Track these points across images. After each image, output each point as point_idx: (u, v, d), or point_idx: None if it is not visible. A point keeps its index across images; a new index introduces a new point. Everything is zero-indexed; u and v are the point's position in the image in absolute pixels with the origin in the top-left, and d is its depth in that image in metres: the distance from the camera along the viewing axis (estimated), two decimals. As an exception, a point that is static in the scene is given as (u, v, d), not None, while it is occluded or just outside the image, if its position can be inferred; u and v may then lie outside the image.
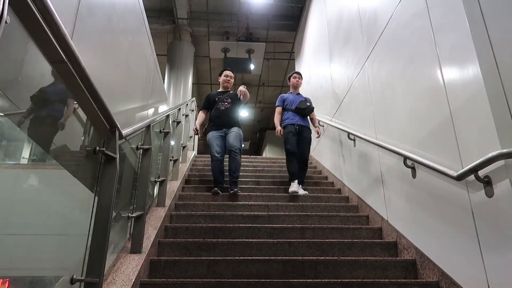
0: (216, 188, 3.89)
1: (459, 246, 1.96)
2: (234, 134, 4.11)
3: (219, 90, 4.49)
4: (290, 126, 4.28)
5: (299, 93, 4.65)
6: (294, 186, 3.97)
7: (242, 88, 4.18)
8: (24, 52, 1.29)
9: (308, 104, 4.42)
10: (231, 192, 3.85)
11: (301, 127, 4.32)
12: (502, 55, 1.75)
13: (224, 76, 4.46)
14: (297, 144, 4.19)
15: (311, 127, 4.52)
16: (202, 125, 4.37)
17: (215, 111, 4.26)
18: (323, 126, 5.22)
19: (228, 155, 4.06)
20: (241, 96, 4.17)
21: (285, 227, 3.04)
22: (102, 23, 2.45)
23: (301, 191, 3.99)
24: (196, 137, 6.30)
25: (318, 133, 4.48)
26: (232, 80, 4.49)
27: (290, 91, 4.67)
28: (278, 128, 4.33)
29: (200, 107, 4.55)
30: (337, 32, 4.87)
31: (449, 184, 2.07)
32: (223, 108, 4.24)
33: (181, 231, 2.98)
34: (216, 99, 4.32)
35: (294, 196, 3.96)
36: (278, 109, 4.50)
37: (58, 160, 1.78)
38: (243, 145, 4.22)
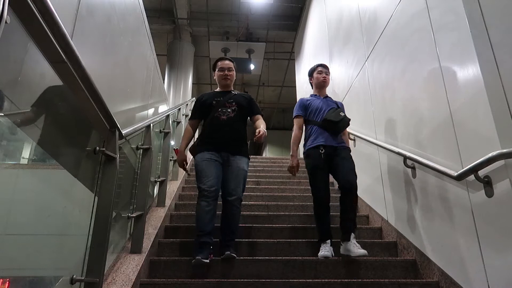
0: (199, 257, 2.26)
1: (459, 246, 1.96)
2: (237, 170, 2.53)
3: (217, 90, 2.88)
4: (314, 151, 2.73)
5: (327, 96, 3.04)
6: (326, 249, 2.54)
7: (263, 129, 2.53)
8: (24, 52, 1.29)
9: (342, 114, 2.82)
10: (222, 256, 2.37)
11: (333, 150, 2.72)
12: (502, 55, 1.75)
13: (220, 69, 2.79)
14: (334, 169, 2.70)
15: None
16: (191, 149, 2.74)
17: (212, 121, 2.63)
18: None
19: (222, 203, 2.54)
20: (257, 138, 2.48)
21: (285, 227, 3.04)
22: (102, 23, 2.45)
23: (355, 249, 2.43)
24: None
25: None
26: (234, 74, 2.83)
27: (313, 93, 3.08)
28: (293, 162, 2.80)
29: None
30: (337, 32, 4.86)
31: (449, 184, 2.07)
32: (224, 117, 2.62)
33: (181, 231, 2.98)
34: (213, 102, 2.68)
35: (294, 196, 3.95)
36: (297, 122, 2.90)
37: (58, 160, 1.78)
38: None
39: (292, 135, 2.92)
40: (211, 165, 2.49)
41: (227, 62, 2.82)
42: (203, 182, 2.44)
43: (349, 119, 2.85)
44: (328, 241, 2.59)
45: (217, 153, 2.54)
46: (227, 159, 2.55)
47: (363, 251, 2.39)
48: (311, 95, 3.06)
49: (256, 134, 2.48)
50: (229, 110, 2.66)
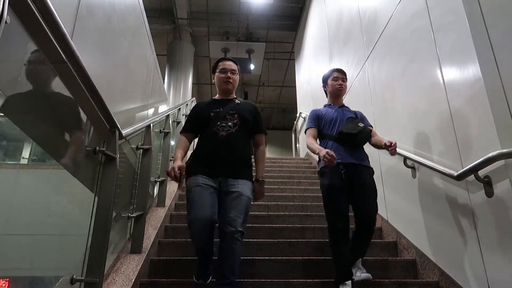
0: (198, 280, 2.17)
1: (459, 246, 1.96)
2: (238, 197, 2.00)
3: (216, 97, 2.35)
4: (332, 169, 2.24)
5: (343, 105, 2.60)
6: None
7: (260, 192, 2.20)
8: (24, 52, 1.29)
9: (361, 125, 2.39)
10: None
11: (354, 168, 2.29)
12: (502, 55, 1.75)
13: (221, 71, 2.28)
14: (353, 195, 2.25)
15: (369, 155, 2.47)
16: (184, 165, 2.09)
17: (208, 138, 2.15)
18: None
19: (219, 238, 1.98)
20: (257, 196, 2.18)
21: (285, 227, 3.04)
22: (102, 23, 2.45)
23: (358, 273, 2.25)
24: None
25: (392, 146, 2.20)
26: (237, 78, 2.33)
27: (328, 103, 2.64)
28: (321, 151, 2.19)
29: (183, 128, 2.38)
30: (337, 32, 4.86)
31: (449, 184, 2.07)
32: (223, 133, 2.12)
33: (181, 231, 2.98)
34: (211, 115, 2.19)
35: (294, 196, 3.95)
36: (310, 133, 2.47)
37: (58, 160, 1.78)
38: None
39: (306, 143, 2.48)
40: (206, 193, 1.98)
41: (230, 63, 2.30)
42: (194, 213, 1.92)
43: (371, 130, 2.44)
44: (349, 282, 2.10)
45: (213, 178, 2.04)
46: (225, 184, 2.03)
47: (366, 275, 2.21)
48: (325, 106, 2.62)
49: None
50: (230, 124, 2.15)
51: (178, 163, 2.02)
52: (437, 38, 2.20)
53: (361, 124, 2.38)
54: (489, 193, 1.71)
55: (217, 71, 2.31)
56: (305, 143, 2.63)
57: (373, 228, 2.26)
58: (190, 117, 2.33)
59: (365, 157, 2.40)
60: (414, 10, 2.52)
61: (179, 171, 1.98)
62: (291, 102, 10.44)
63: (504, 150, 1.57)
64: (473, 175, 1.77)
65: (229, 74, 2.26)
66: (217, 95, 2.37)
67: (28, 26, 1.00)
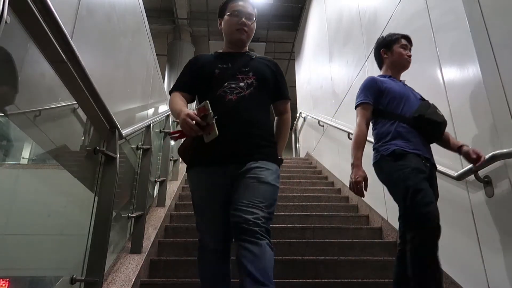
0: None
1: (459, 246, 1.96)
2: (258, 184, 1.37)
3: (222, 50, 1.73)
4: (414, 157, 1.67)
5: (404, 82, 1.97)
6: None
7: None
8: (24, 52, 1.29)
9: (441, 113, 1.80)
10: None
11: (431, 167, 1.75)
12: (502, 55, 1.75)
13: (233, 14, 1.66)
14: None
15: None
16: (180, 151, 1.59)
17: (212, 104, 1.39)
18: (323, 126, 5.22)
19: (236, 239, 1.31)
20: None
21: (285, 227, 3.04)
22: (102, 23, 2.45)
23: None
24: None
25: (479, 159, 1.65)
26: (254, 27, 1.68)
27: (386, 74, 1.97)
28: (359, 174, 1.77)
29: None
30: (337, 32, 4.86)
31: (449, 184, 2.07)
32: (232, 97, 1.51)
33: (181, 231, 2.98)
34: (216, 72, 1.58)
35: (294, 196, 3.94)
36: (364, 113, 1.82)
37: (58, 160, 1.78)
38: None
39: (354, 134, 1.81)
40: (212, 200, 1.46)
41: (244, 3, 1.66)
42: (202, 233, 1.52)
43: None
44: None
45: (220, 166, 1.44)
46: (239, 171, 1.41)
47: None
48: (384, 76, 1.94)
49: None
50: (241, 84, 1.53)
51: (186, 110, 1.40)
52: (437, 38, 2.20)
53: (440, 112, 1.79)
54: (489, 193, 1.71)
55: (227, 14, 1.68)
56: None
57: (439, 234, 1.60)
58: (185, 73, 1.65)
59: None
60: (414, 10, 2.52)
61: (194, 119, 1.35)
62: (291, 102, 10.32)
63: (504, 150, 1.57)
64: (473, 175, 1.77)
65: (244, 20, 1.62)
66: (224, 46, 1.71)
67: (28, 26, 1.00)
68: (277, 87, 1.66)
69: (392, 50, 1.96)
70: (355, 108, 1.87)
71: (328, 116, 4.99)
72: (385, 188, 3.01)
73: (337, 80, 4.69)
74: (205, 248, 1.53)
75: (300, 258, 2.46)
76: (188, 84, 1.61)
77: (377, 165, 1.81)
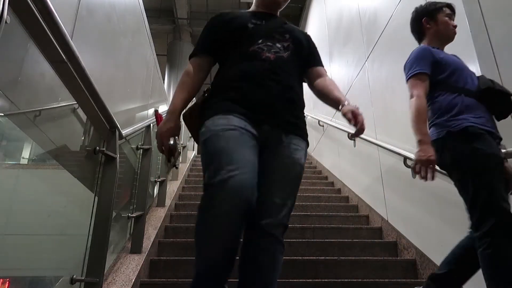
0: None
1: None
2: (291, 165, 1.22)
3: (252, 9, 1.51)
4: (490, 139, 1.45)
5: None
6: None
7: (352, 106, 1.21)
8: (24, 52, 1.30)
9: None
10: None
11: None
12: (502, 55, 1.75)
13: None
14: None
15: None
16: (190, 111, 1.36)
17: (244, 60, 1.30)
18: (323, 126, 5.22)
19: (247, 237, 1.22)
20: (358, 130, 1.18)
21: (285, 227, 3.03)
22: (102, 23, 2.45)
23: None
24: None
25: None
26: None
27: (432, 45, 1.68)
28: (428, 151, 1.44)
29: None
30: (337, 32, 4.86)
31: (449, 184, 2.07)
32: (270, 55, 1.30)
33: (181, 231, 2.98)
34: (250, 26, 1.37)
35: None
36: (421, 85, 1.55)
37: (58, 160, 1.79)
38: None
39: (415, 107, 1.52)
40: (242, 142, 1.15)
41: None
42: (220, 173, 1.07)
43: None
44: None
45: (254, 124, 1.20)
46: (273, 140, 1.23)
47: None
48: (434, 47, 1.67)
49: (347, 113, 1.19)
50: (278, 45, 1.34)
51: (169, 125, 1.26)
52: (437, 38, 2.20)
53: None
54: (489, 193, 1.70)
55: None
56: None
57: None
58: (209, 29, 1.44)
59: None
60: (414, 10, 2.52)
61: (170, 145, 1.24)
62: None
63: (504, 150, 1.57)
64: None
65: None
66: (253, 6, 1.51)
67: (28, 26, 1.00)
68: (312, 56, 1.48)
69: (436, 19, 1.71)
70: (407, 80, 1.61)
71: (328, 116, 4.99)
72: (385, 188, 3.03)
73: (337, 80, 4.68)
74: (215, 197, 1.11)
75: (300, 258, 2.46)
76: (211, 45, 1.40)
77: (440, 142, 1.51)
